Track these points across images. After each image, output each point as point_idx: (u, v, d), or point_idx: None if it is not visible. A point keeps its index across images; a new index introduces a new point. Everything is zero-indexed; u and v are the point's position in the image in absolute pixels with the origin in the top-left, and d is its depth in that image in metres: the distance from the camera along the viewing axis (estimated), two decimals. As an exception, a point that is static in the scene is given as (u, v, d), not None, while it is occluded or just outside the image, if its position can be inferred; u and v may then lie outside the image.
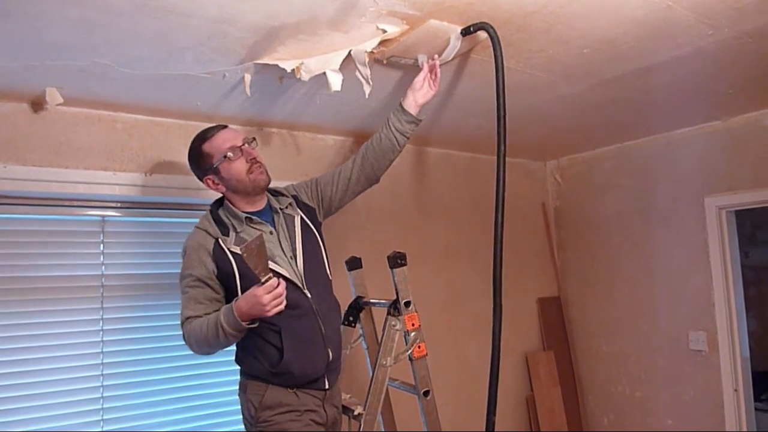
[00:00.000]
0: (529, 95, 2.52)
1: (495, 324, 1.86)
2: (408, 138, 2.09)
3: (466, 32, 1.81)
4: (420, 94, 2.01)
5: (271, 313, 1.67)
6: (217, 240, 1.89)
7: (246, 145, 1.95)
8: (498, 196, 1.86)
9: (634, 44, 2.00)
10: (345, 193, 2.17)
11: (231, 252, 1.87)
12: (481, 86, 2.35)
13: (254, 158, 1.94)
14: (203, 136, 1.96)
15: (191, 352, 1.87)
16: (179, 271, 1.94)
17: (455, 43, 1.86)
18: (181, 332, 1.89)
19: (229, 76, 2.09)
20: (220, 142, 1.93)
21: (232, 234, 1.92)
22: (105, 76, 2.00)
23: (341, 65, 1.91)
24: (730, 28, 1.91)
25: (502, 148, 1.85)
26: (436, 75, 1.99)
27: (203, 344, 1.83)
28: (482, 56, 2.04)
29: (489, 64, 2.10)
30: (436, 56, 1.94)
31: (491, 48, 1.81)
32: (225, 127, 2.00)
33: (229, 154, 1.90)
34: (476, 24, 1.77)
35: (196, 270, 1.87)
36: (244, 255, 1.64)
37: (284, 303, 1.70)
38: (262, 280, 1.66)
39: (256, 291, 1.66)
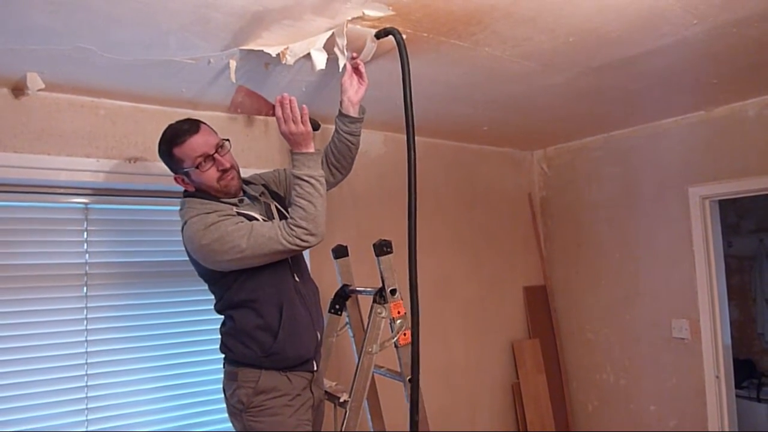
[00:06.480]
0: (516, 84, 2.52)
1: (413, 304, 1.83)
2: (359, 135, 2.12)
3: (378, 36, 1.86)
4: (351, 93, 2.02)
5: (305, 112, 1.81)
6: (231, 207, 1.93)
7: (218, 150, 1.90)
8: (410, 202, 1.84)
9: (620, 33, 2.01)
10: None
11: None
12: (468, 74, 2.35)
13: (225, 168, 1.90)
14: (174, 140, 1.89)
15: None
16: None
17: (371, 45, 1.92)
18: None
19: (214, 63, 2.06)
20: (191, 150, 1.87)
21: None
22: (87, 61, 1.97)
23: (325, 45, 1.89)
24: (715, 17, 1.91)
25: (412, 155, 1.83)
26: (360, 72, 2.00)
27: (315, 210, 1.83)
28: (467, 44, 2.04)
29: (475, 52, 2.11)
30: (354, 54, 1.97)
31: (397, 50, 1.79)
32: (197, 129, 1.89)
33: (201, 162, 1.87)
34: (386, 29, 1.83)
35: (234, 216, 1.88)
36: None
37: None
38: None
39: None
